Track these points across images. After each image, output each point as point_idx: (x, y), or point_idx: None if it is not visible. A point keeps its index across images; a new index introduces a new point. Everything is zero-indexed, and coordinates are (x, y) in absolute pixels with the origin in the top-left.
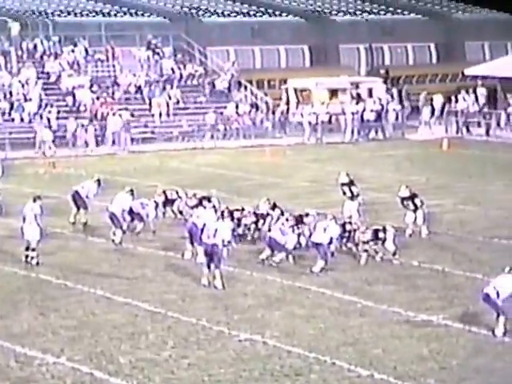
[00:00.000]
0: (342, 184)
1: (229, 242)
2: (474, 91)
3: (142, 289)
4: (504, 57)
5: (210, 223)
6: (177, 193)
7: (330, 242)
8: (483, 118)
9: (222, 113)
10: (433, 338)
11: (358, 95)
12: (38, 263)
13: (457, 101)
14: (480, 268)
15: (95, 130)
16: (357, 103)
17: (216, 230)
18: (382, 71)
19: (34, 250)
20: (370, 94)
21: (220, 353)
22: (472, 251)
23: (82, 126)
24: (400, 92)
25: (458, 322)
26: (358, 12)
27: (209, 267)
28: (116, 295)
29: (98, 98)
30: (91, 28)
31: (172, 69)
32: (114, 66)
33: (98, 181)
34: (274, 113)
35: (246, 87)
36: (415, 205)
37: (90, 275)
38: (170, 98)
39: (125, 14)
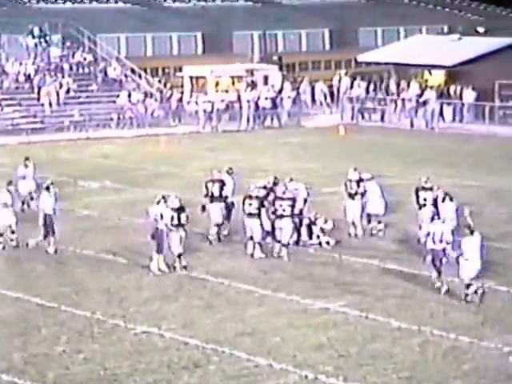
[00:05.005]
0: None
1: None
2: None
3: (33, 283)
4: (396, 42)
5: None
6: None
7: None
8: (378, 104)
9: (114, 101)
10: (330, 325)
11: (253, 82)
12: None
13: (352, 87)
14: (376, 254)
15: None
16: (251, 90)
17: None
18: (275, 58)
19: None
20: (266, 82)
21: (116, 346)
22: (368, 238)
23: None
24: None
25: (355, 309)
26: None
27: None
28: (6, 290)
29: None
30: None
31: (60, 57)
32: None
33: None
34: (168, 100)
35: (140, 75)
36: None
37: None
38: (60, 86)
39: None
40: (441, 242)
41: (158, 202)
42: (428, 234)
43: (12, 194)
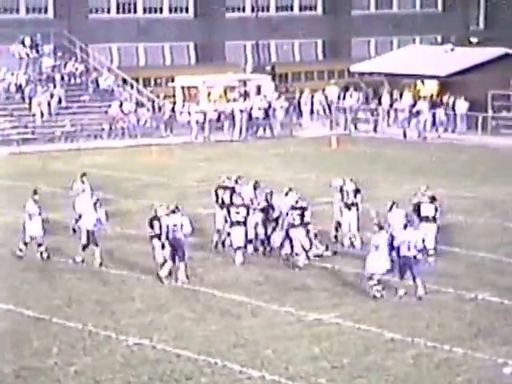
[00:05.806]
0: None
1: None
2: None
3: (25, 295)
4: (389, 53)
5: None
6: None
7: None
8: (371, 114)
9: (106, 112)
10: (324, 337)
11: (246, 92)
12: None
13: (344, 98)
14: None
15: None
16: (244, 100)
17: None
18: (268, 68)
19: None
20: (259, 92)
21: (108, 358)
22: (362, 249)
23: None
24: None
25: (349, 321)
26: (246, 8)
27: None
28: None
29: None
30: None
31: (52, 67)
32: None
33: None
34: (160, 110)
35: (132, 85)
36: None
37: None
38: (51, 96)
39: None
40: (415, 248)
41: (174, 212)
42: (403, 241)
43: (38, 204)
